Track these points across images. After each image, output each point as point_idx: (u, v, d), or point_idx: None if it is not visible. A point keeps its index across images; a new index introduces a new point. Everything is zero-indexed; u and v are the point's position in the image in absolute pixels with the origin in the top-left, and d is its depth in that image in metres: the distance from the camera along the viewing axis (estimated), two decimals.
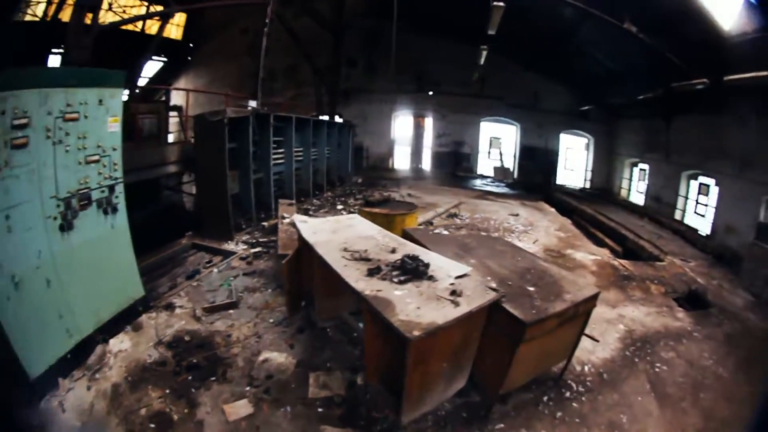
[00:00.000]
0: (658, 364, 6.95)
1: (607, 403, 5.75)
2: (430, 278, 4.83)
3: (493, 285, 4.84)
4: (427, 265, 5.01)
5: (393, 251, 5.63)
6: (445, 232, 7.63)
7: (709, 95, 14.20)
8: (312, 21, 19.51)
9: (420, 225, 11.63)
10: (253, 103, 12.84)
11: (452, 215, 14.53)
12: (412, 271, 4.87)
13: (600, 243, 14.98)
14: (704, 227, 16.80)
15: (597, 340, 7.34)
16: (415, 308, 4.08)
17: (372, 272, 4.90)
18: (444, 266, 5.17)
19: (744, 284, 11.53)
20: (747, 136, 14.09)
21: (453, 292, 4.43)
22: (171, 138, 16.59)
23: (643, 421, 5.48)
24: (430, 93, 25.30)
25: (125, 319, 6.52)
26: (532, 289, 5.14)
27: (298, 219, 7.32)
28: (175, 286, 8.12)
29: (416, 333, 3.63)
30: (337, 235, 6.32)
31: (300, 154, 15.19)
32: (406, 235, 7.04)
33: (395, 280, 4.70)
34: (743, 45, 11.08)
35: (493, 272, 5.56)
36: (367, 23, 21.12)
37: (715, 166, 16.23)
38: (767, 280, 10.96)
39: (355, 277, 4.79)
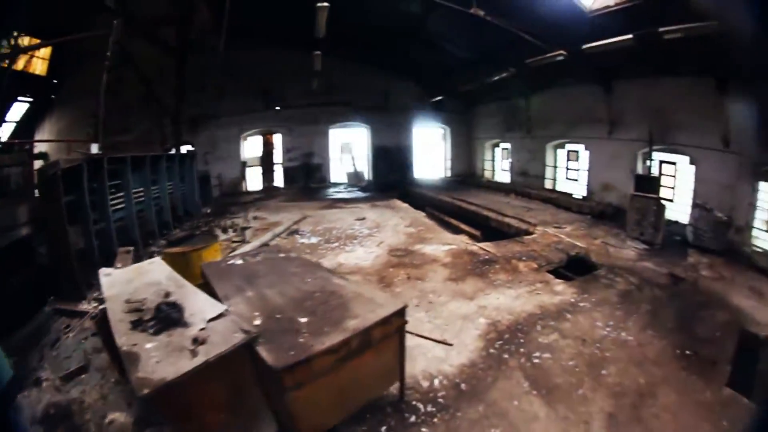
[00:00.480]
0: (536, 354, 5.84)
1: (470, 418, 4.63)
2: (185, 325, 4.21)
3: (248, 325, 4.15)
4: (181, 311, 4.39)
5: (167, 296, 4.91)
6: (239, 261, 6.43)
7: (570, 69, 14.30)
8: (160, 49, 17.70)
9: (255, 248, 10.25)
10: (94, 148, 11.32)
11: (293, 232, 13.14)
12: (164, 319, 4.28)
13: (458, 230, 13.73)
14: (579, 190, 16.68)
15: (450, 344, 6.08)
16: (155, 363, 3.58)
17: (135, 324, 4.31)
18: (203, 308, 4.50)
19: (632, 235, 11.24)
20: (614, 100, 14.61)
21: (195, 340, 3.87)
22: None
23: (527, 428, 4.52)
24: (277, 108, 23.88)
25: (5, 402, 5.74)
26: (304, 320, 4.32)
27: (103, 272, 6.33)
28: (42, 358, 7.37)
29: (145, 391, 3.23)
30: (130, 285, 5.57)
31: (140, 194, 13.38)
32: (203, 273, 6.24)
33: (150, 330, 4.15)
34: (604, 17, 11.02)
35: (267, 304, 4.76)
36: (216, 44, 19.59)
37: (584, 132, 16.15)
38: (656, 226, 10.86)
39: (122, 330, 4.20)
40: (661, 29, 9.79)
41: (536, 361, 5.70)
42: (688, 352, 5.95)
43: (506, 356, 5.79)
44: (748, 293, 8.39)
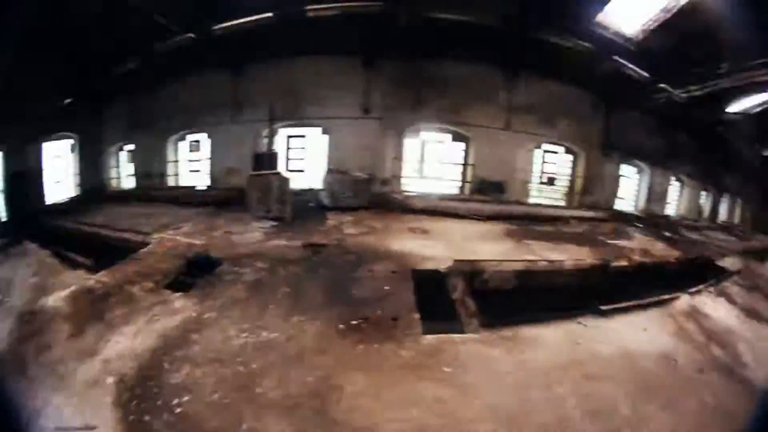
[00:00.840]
0: (175, 402, 4.48)
1: None
2: None
3: None
4: None
5: None
6: None
7: (196, 55, 13.63)
8: None
9: None
10: None
11: None
12: None
13: (77, 264, 11.29)
14: (203, 181, 16.19)
15: (93, 428, 4.42)
16: None
17: None
18: None
19: (257, 215, 10.76)
20: (242, 84, 14.62)
21: None
22: None
23: None
24: None
25: None
26: None
27: None
28: None
29: None
30: None
31: None
32: None
33: None
34: None
35: None
36: None
37: (206, 121, 15.77)
38: (282, 200, 10.70)
39: None
40: (308, 7, 10.36)
41: (179, 410, 4.41)
42: (355, 321, 5.42)
43: (148, 418, 4.35)
44: (410, 235, 8.85)
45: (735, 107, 18.94)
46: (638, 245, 10.47)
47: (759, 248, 12.93)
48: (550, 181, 14.06)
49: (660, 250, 10.51)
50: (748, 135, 19.66)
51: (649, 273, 8.75)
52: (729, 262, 10.11)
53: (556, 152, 14.40)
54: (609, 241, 10.19)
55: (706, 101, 16.40)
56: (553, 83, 13.78)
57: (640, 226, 13.63)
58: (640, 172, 17.80)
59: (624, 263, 8.56)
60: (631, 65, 12.53)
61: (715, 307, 7.37)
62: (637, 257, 9.14)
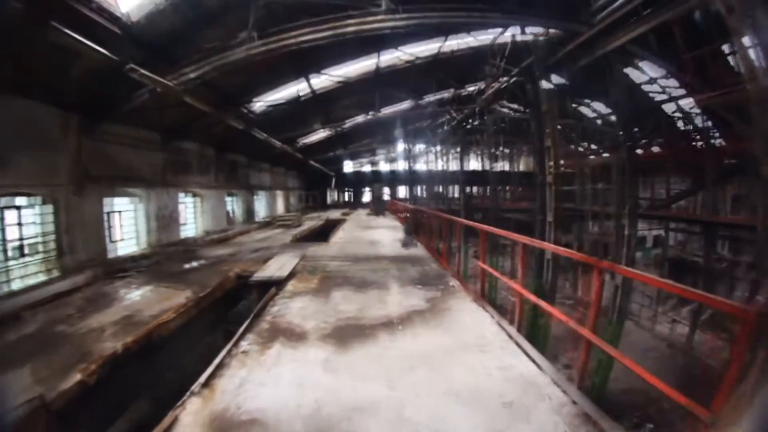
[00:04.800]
0: None
1: None
2: None
3: None
4: None
5: None
6: None
7: None
8: None
9: None
10: None
11: None
12: None
13: None
14: None
15: None
16: None
17: None
18: None
19: None
20: None
21: None
22: None
23: None
24: None
25: None
26: None
27: None
28: None
29: None
30: None
31: None
32: None
33: None
34: None
35: None
36: None
37: None
38: None
39: None
40: None
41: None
42: None
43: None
44: None
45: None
46: (125, 312, 7.32)
47: None
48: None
49: (165, 296, 8.32)
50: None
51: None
52: None
53: (18, 206, 9.17)
54: (72, 328, 6.58)
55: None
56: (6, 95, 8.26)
57: (135, 271, 10.64)
58: (137, 199, 14.08)
59: (78, 378, 5.04)
60: (110, 53, 8.04)
61: None
62: (112, 345, 5.88)
